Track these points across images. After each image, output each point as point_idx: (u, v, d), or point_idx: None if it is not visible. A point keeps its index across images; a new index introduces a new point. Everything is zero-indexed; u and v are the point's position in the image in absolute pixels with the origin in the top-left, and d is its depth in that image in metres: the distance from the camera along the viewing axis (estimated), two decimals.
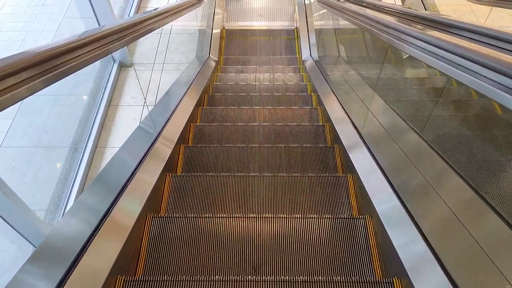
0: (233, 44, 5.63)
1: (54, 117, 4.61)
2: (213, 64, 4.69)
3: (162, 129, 2.49)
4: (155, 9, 2.38)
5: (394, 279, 1.56)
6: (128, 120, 4.68)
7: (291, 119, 3.19)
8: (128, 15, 5.99)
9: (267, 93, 3.90)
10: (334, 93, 3.44)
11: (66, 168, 4.25)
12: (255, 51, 5.49)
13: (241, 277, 1.60)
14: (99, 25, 4.80)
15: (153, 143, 2.29)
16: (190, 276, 1.60)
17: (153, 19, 2.22)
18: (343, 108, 2.97)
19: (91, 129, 4.40)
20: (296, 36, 5.75)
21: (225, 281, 1.58)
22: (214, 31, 5.29)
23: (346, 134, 2.61)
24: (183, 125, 2.78)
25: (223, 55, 5.41)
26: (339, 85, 3.68)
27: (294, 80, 4.38)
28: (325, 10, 5.01)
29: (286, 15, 6.05)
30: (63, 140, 4.42)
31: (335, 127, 2.79)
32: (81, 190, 4.02)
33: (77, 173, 4.13)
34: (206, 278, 1.59)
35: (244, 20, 5.96)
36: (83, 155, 4.23)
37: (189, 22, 5.83)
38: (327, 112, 3.12)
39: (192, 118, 3.10)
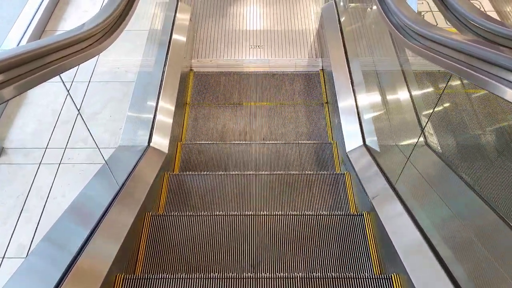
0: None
1: None
2: (153, 169, 2.21)
3: None
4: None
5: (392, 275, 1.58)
6: None
7: None
8: (18, 44, 3.48)
9: None
10: None
11: None
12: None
13: (240, 274, 1.65)
14: None
15: None
16: (188, 274, 1.65)
17: None
18: None
19: None
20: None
21: (224, 278, 1.63)
22: (167, 79, 2.79)
23: None
24: None
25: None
26: None
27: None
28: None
29: (302, 44, 3.54)
30: None
31: None
32: None
33: None
34: (205, 276, 1.64)
35: (228, 55, 3.46)
36: None
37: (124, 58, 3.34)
38: None
39: None
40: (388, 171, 2.14)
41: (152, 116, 2.57)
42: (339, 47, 3.13)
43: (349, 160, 2.33)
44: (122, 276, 1.64)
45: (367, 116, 2.57)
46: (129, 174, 2.00)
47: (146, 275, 1.66)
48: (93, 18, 1.78)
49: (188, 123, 2.98)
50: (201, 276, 1.65)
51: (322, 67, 3.41)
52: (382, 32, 3.06)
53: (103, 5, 1.87)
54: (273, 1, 3.90)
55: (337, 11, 3.32)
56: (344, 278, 1.63)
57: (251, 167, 2.68)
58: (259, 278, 1.63)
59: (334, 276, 1.63)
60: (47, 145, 2.83)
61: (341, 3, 3.38)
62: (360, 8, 3.31)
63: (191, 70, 3.40)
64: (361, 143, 2.43)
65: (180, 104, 2.99)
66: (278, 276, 1.64)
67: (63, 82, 1.45)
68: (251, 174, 2.45)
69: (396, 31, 1.61)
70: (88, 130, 2.74)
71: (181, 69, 3.09)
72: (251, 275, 1.65)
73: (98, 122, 2.97)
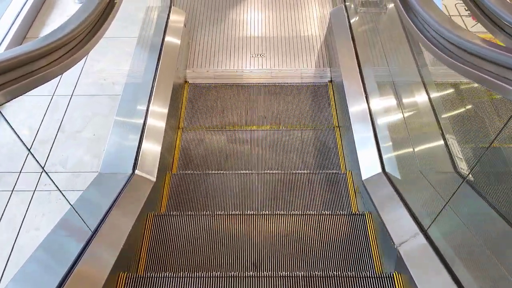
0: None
1: None
2: (135, 209, 1.88)
3: None
4: None
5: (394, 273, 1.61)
6: None
7: None
8: None
9: None
10: None
11: None
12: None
13: (242, 273, 1.66)
14: None
15: None
16: (190, 272, 1.67)
17: None
18: None
19: None
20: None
21: (225, 277, 1.64)
22: (156, 93, 2.48)
23: None
24: None
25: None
26: None
27: None
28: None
29: (308, 52, 3.22)
30: None
31: None
32: None
33: None
34: (206, 275, 1.65)
35: (227, 65, 3.15)
36: None
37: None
38: None
39: None
40: (414, 205, 1.81)
41: (138, 136, 2.25)
42: (350, 55, 2.81)
43: (367, 192, 2.00)
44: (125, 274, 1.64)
45: (385, 137, 2.24)
46: (105, 216, 1.67)
47: (148, 274, 1.67)
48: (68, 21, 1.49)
49: (181, 144, 2.66)
50: (203, 275, 1.65)
51: (331, 77, 3.08)
52: (401, 38, 2.75)
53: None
54: (277, 5, 3.58)
55: (347, 15, 3.00)
56: (348, 277, 1.64)
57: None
58: (261, 277, 1.64)
59: (336, 275, 1.64)
60: (22, 169, 2.51)
61: (352, 6, 3.06)
62: (373, 11, 2.99)
63: (185, 81, 3.07)
64: (380, 169, 2.10)
65: (172, 122, 2.66)
66: (280, 275, 1.65)
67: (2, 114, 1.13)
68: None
69: (437, 50, 1.28)
70: (34, 157, 2.43)
71: (174, 81, 2.77)
72: (253, 274, 1.66)
73: (80, 141, 2.65)
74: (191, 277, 1.65)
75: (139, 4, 3.45)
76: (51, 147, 2.62)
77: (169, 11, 3.04)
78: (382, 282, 1.63)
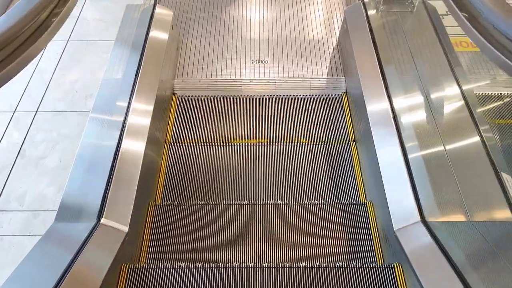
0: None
1: None
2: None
3: None
4: None
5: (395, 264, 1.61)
6: None
7: None
8: None
9: None
10: None
11: None
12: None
13: (244, 264, 1.66)
14: None
15: None
16: (192, 263, 1.66)
17: None
18: None
19: None
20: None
21: (227, 267, 1.63)
22: (133, 111, 2.02)
23: None
24: None
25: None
26: None
27: None
28: None
29: (318, 58, 2.73)
30: None
31: None
32: None
33: None
34: (207, 265, 1.64)
35: (223, 73, 2.67)
36: None
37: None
38: None
39: None
40: (470, 277, 1.33)
41: (107, 172, 1.77)
42: (371, 63, 2.32)
43: (403, 250, 1.52)
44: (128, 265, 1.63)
45: (422, 171, 1.76)
46: None
47: (150, 265, 1.66)
48: None
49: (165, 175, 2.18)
50: (204, 265, 1.64)
51: (346, 89, 2.59)
52: (434, 42, 2.27)
53: None
54: (281, 2, 3.08)
55: (367, 14, 2.51)
56: (350, 268, 1.64)
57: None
58: (264, 268, 1.63)
59: (340, 266, 1.64)
60: None
61: (372, 3, 2.57)
62: (398, 9, 2.50)
63: (173, 93, 2.59)
64: (418, 218, 1.61)
65: (153, 152, 2.19)
66: (283, 265, 1.64)
67: None
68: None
69: None
70: None
71: (158, 94, 2.29)
72: (255, 264, 1.66)
73: (43, 170, 2.18)
74: (194, 267, 1.61)
75: (120, 2, 2.99)
76: (7, 178, 2.15)
77: (153, 10, 2.56)
78: (384, 273, 1.62)
